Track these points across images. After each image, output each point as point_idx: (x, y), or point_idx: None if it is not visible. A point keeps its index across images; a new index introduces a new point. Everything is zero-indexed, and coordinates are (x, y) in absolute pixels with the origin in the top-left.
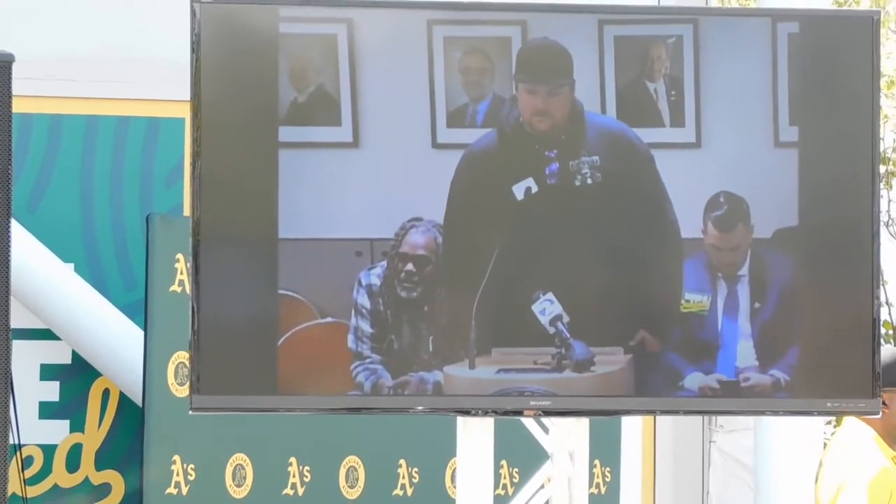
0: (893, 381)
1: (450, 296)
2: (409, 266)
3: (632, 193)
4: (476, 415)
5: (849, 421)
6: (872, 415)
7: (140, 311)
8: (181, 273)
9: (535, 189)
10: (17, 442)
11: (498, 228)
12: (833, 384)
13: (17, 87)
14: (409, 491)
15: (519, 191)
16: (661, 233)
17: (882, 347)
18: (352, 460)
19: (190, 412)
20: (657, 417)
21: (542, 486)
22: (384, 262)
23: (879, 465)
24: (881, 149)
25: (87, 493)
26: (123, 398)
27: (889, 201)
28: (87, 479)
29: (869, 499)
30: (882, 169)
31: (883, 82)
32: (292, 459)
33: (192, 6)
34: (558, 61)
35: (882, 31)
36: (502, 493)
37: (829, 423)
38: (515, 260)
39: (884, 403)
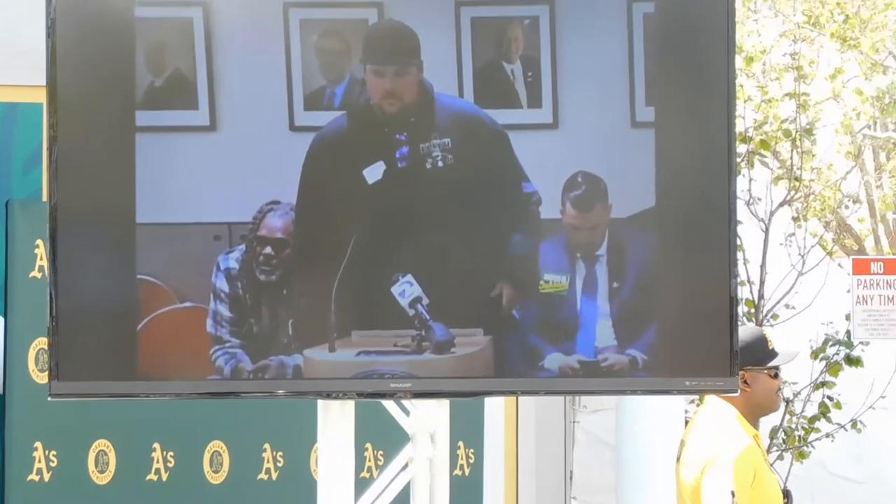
0: (755, 360)
1: (308, 279)
2: (268, 249)
3: (485, 174)
4: (336, 398)
5: (710, 400)
6: (731, 393)
7: (0, 298)
8: (41, 259)
9: (385, 173)
10: None
11: (352, 212)
12: (692, 363)
13: None
14: (275, 475)
15: (370, 175)
16: (515, 213)
17: (745, 326)
18: (216, 445)
19: (49, 398)
20: (520, 399)
21: (405, 468)
22: (243, 246)
23: (744, 444)
24: (743, 128)
25: None
26: None
27: (751, 180)
28: None
29: (734, 477)
30: (744, 148)
31: (742, 59)
32: (156, 444)
33: None
34: (404, 42)
35: (742, 10)
36: (368, 475)
37: (692, 401)
38: (373, 243)
39: (745, 382)
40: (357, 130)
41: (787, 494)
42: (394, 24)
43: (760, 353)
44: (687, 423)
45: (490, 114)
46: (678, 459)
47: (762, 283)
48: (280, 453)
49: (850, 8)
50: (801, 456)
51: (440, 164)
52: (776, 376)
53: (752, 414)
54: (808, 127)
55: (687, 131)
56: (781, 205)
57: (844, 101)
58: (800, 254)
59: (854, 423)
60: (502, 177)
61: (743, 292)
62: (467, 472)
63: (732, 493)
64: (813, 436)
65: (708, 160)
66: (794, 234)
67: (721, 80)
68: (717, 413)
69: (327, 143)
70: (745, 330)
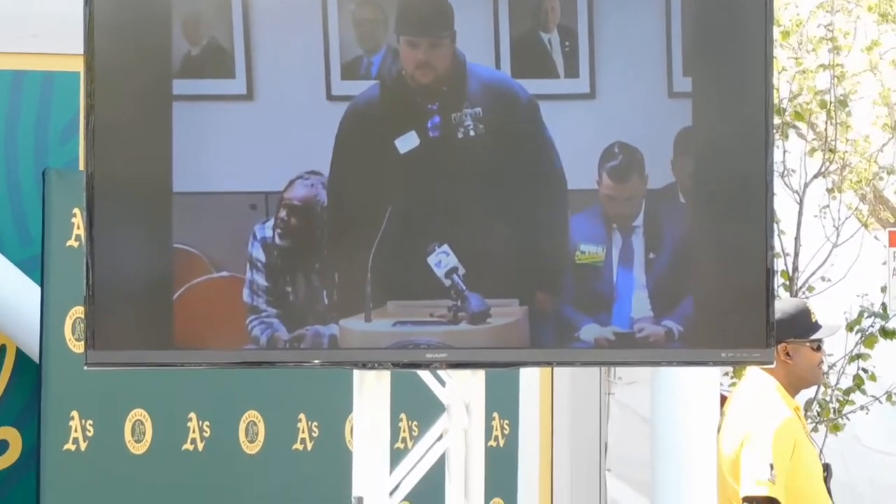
0: (798, 333)
1: (343, 249)
2: (283, 213)
3: (515, 144)
4: (372, 368)
5: (751, 372)
6: (767, 364)
7: (36, 267)
8: (78, 228)
9: (417, 142)
10: None
11: (385, 182)
12: (728, 334)
13: None
14: (310, 445)
15: (402, 144)
16: (546, 183)
17: (788, 299)
18: (251, 415)
19: (85, 368)
20: (555, 370)
21: (440, 439)
22: None
23: (783, 416)
24: (777, 100)
25: None
26: (20, 354)
27: (785, 152)
28: None
29: (773, 449)
30: (778, 120)
31: (779, 32)
32: (192, 414)
33: None
34: (438, 12)
35: None
36: (402, 446)
37: (725, 373)
38: (409, 212)
39: (787, 354)
40: (389, 100)
41: (826, 468)
42: None
43: (803, 325)
44: (722, 396)
45: (527, 83)
46: (718, 430)
47: (796, 254)
48: (315, 423)
49: None
50: (836, 428)
51: (472, 133)
52: (818, 349)
53: (794, 386)
54: (842, 98)
55: (724, 102)
56: (816, 177)
57: (881, 73)
58: (834, 226)
59: (889, 396)
60: (531, 146)
61: (777, 264)
62: (502, 443)
63: (771, 466)
64: (847, 408)
65: (744, 131)
66: (828, 206)
67: (758, 51)
68: (758, 385)
69: (360, 113)
70: (789, 302)
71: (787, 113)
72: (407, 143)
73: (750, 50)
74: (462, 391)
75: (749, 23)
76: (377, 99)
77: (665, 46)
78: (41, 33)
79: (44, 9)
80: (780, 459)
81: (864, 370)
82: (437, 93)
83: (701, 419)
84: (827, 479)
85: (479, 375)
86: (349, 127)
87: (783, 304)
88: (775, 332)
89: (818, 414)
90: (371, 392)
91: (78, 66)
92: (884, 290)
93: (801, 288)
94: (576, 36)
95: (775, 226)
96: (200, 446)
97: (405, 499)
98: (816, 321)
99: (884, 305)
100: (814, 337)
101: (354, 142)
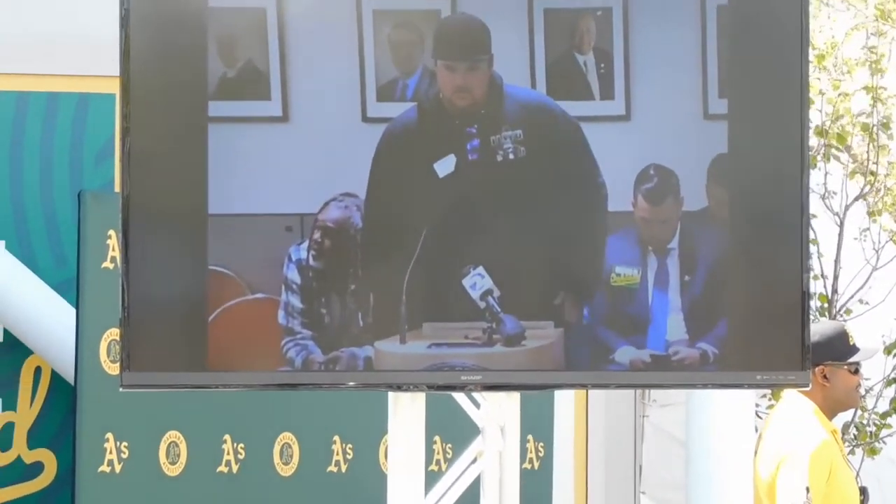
0: (836, 356)
1: (379, 271)
2: (317, 235)
3: (558, 164)
4: (407, 390)
5: (788, 394)
6: (802, 387)
7: (71, 289)
8: (113, 250)
9: (456, 166)
10: None
11: (423, 205)
12: (763, 357)
13: None
14: (344, 467)
15: (441, 168)
16: (586, 204)
17: (826, 321)
18: (286, 437)
19: (120, 389)
20: (590, 392)
21: (475, 461)
22: None
23: (820, 439)
24: (819, 122)
25: (20, 472)
26: (55, 376)
27: (826, 174)
28: (19, 457)
29: (810, 472)
30: (817, 142)
31: (814, 55)
32: (226, 436)
33: None
34: (476, 36)
35: (815, 4)
36: (436, 468)
37: (763, 396)
38: (444, 235)
39: (825, 377)
40: (427, 123)
41: (863, 491)
42: (465, 19)
43: (841, 348)
44: (764, 418)
45: (562, 105)
46: (755, 453)
47: (836, 277)
48: (349, 445)
49: None
50: (873, 452)
51: (511, 156)
52: (856, 372)
53: (831, 409)
54: (884, 121)
55: (759, 124)
56: (856, 199)
57: None
58: (874, 248)
59: None
60: (576, 168)
61: (816, 287)
62: (537, 465)
63: (807, 489)
64: (884, 432)
65: (780, 153)
66: (868, 229)
67: (794, 73)
68: (795, 408)
69: (397, 136)
70: (827, 325)
71: (828, 135)
72: (446, 166)
73: (786, 72)
74: (497, 413)
75: (785, 44)
76: (415, 122)
77: (701, 69)
78: (76, 55)
79: (79, 31)
80: (817, 483)
81: None
82: (475, 116)
83: (736, 442)
84: (864, 503)
85: (514, 398)
86: (386, 149)
87: (821, 326)
88: (812, 354)
89: (855, 437)
90: (406, 414)
91: (113, 87)
92: None
93: (839, 311)
94: (611, 58)
95: (815, 248)
96: (235, 468)
97: None
98: (854, 344)
99: None
100: (851, 360)
101: (391, 164)
